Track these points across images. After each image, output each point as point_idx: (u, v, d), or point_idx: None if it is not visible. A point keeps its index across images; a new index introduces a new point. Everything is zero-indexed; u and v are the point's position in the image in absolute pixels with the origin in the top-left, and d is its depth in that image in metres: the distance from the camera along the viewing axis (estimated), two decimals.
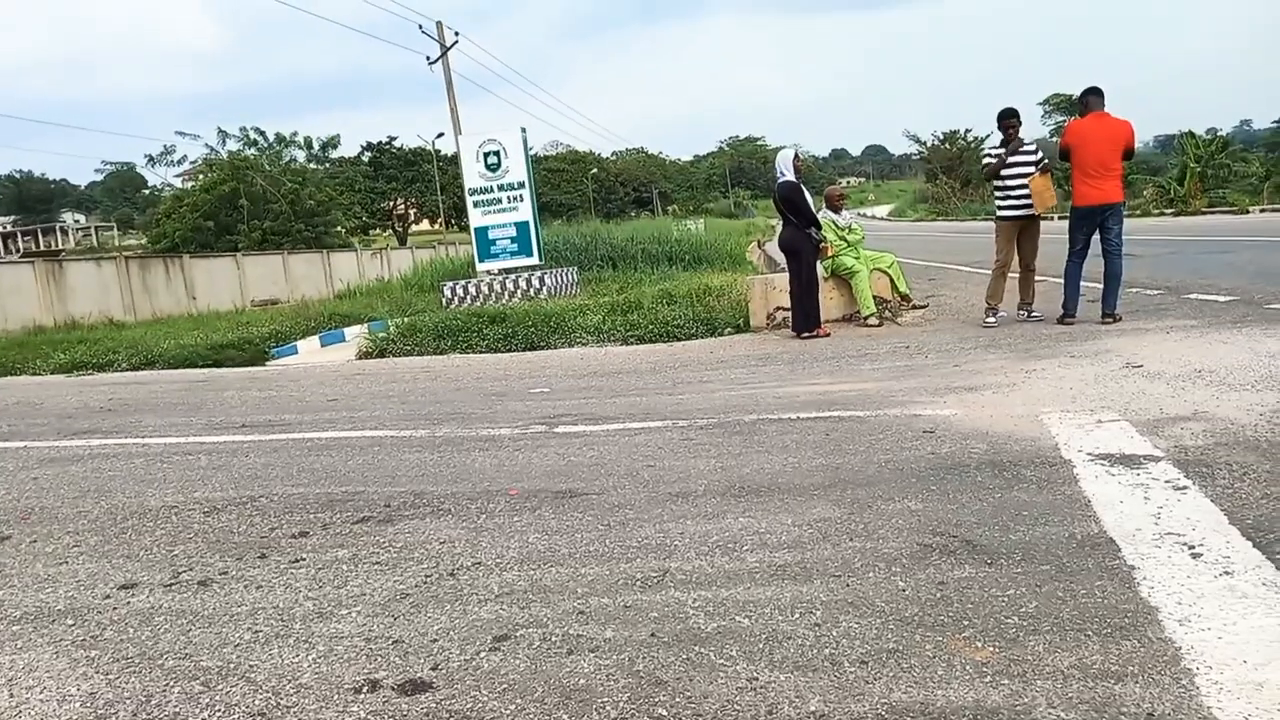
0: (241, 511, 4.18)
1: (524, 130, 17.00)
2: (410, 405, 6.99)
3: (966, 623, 2.49)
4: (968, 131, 73.43)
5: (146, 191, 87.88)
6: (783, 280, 9.63)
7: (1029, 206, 8.22)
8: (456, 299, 15.94)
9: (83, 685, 2.57)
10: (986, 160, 8.42)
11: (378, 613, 2.90)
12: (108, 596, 3.25)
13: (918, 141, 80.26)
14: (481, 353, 10.50)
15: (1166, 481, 3.48)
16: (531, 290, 15.90)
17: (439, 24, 27.58)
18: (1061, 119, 66.68)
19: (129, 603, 3.17)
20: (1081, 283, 8.00)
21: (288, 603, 3.05)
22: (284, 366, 11.33)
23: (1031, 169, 8.21)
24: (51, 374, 12.04)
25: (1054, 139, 58.99)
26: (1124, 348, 6.47)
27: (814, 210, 9.02)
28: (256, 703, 2.39)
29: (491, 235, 17.03)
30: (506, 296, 15.76)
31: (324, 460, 5.13)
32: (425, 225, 73.06)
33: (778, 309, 9.73)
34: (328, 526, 3.86)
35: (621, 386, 7.14)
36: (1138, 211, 32.01)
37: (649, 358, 8.78)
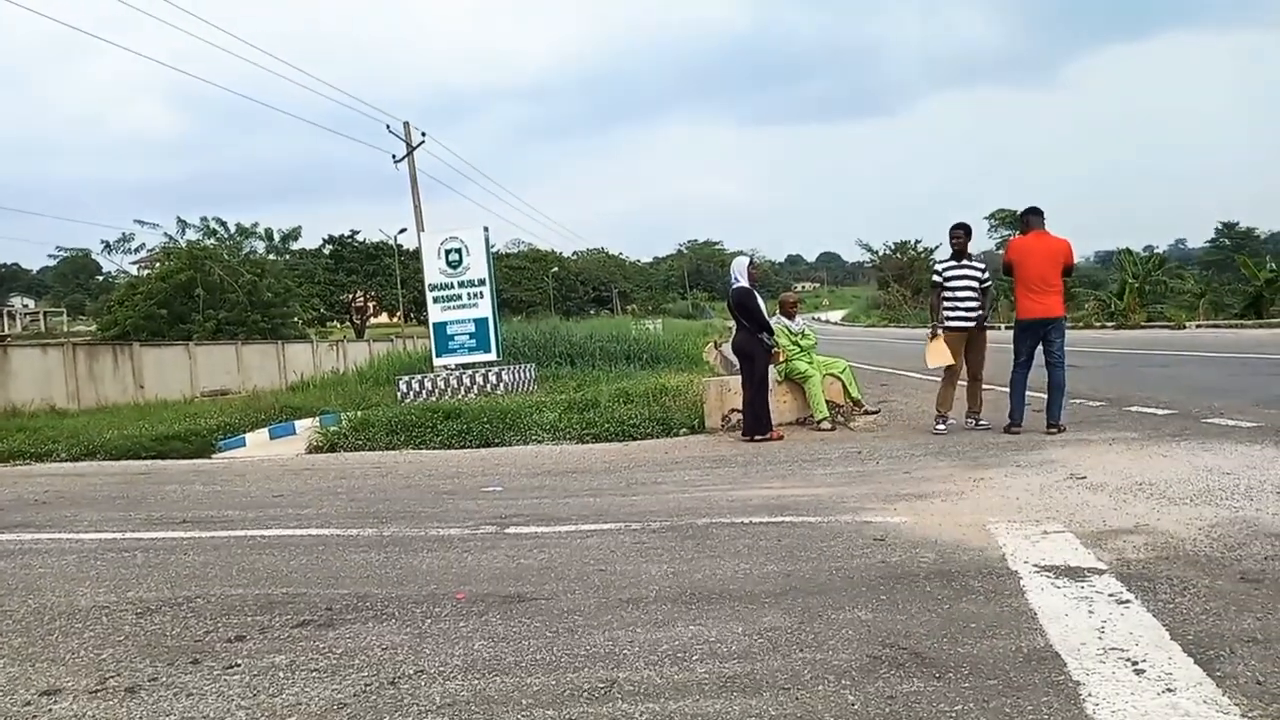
0: (176, 613, 4.04)
1: (486, 229, 17.29)
2: (358, 502, 6.86)
3: None
4: (918, 242, 76.34)
5: (100, 278, 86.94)
6: (737, 383, 9.74)
7: (977, 318, 8.50)
8: (412, 394, 15.83)
9: None
10: (934, 276, 8.71)
11: None
12: (28, 703, 3.09)
13: (870, 250, 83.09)
14: (435, 448, 10.39)
15: (1110, 595, 3.52)
16: (488, 386, 15.86)
17: (406, 124, 28.22)
18: (1007, 233, 69.41)
19: (51, 710, 3.02)
20: (1027, 392, 8.21)
21: (219, 712, 2.92)
22: (230, 459, 11.09)
23: (977, 282, 8.51)
24: None
25: (999, 251, 61.36)
26: (1068, 458, 6.60)
27: (766, 315, 9.20)
28: None
29: (450, 330, 17.08)
30: (463, 392, 15.70)
31: (266, 559, 4.99)
32: (384, 319, 72.98)
33: (732, 410, 9.81)
34: (265, 630, 3.73)
35: (576, 486, 7.10)
36: (1080, 324, 33.14)
37: (604, 457, 8.75)
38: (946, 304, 8.52)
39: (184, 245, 43.54)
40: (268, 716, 2.87)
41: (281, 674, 3.23)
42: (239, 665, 3.34)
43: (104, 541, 5.78)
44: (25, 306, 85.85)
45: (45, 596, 4.44)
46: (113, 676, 3.30)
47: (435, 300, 17.14)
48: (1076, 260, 8.18)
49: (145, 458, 11.41)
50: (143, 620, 3.96)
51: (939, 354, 8.49)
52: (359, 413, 12.44)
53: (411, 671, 3.18)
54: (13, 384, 22.33)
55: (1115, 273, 42.00)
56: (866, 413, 10.04)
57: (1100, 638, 3.10)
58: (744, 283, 9.13)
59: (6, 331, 61.82)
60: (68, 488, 8.68)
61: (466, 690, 2.99)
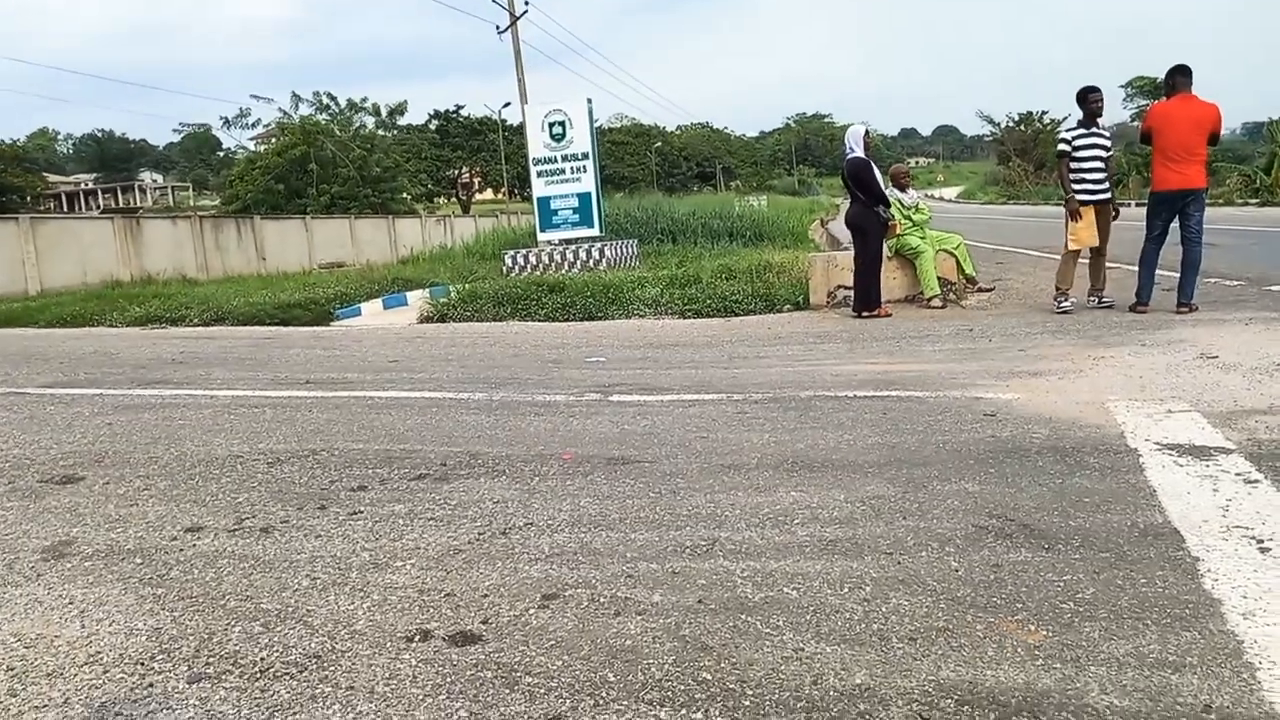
0: (303, 464, 4.29)
1: (590, 101, 16.96)
2: (468, 369, 7.08)
3: (1020, 606, 2.45)
4: (1043, 114, 71.31)
5: (221, 153, 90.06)
6: (844, 258, 9.49)
7: (1105, 189, 7.98)
8: (517, 267, 16.04)
9: (148, 620, 2.67)
10: (1061, 144, 8.14)
11: (431, 566, 2.96)
12: (175, 538, 3.37)
13: (991, 123, 78.27)
14: (540, 321, 10.57)
15: (1237, 474, 3.37)
16: (591, 261, 15.93)
17: None
18: (1144, 103, 64.23)
19: (195, 545, 3.29)
20: (1157, 270, 7.74)
21: (345, 552, 3.12)
22: (347, 327, 11.55)
23: (1105, 151, 7.96)
24: (127, 326, 12.46)
25: (1135, 123, 56.87)
26: (1199, 337, 6.25)
27: (883, 188, 8.86)
28: (312, 645, 2.46)
29: (554, 205, 17.08)
30: (566, 266, 15.80)
31: (384, 418, 5.23)
32: (489, 194, 73.67)
33: (839, 287, 9.60)
34: (385, 482, 3.94)
35: (677, 359, 7.14)
36: (1220, 200, 30.79)
37: (706, 332, 8.75)
38: (1074, 175, 8.00)
39: (297, 121, 44.39)
40: (389, 557, 3.06)
41: (401, 521, 3.42)
42: (362, 512, 3.55)
43: (236, 398, 6.16)
44: (154, 181, 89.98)
45: (185, 445, 4.79)
46: (249, 518, 3.56)
47: (539, 175, 17.09)
48: (1222, 130, 7.51)
49: (269, 324, 11.99)
50: (273, 469, 4.24)
51: (1086, 234, 7.93)
52: (467, 285, 12.69)
53: (521, 523, 3.32)
54: (147, 254, 23.65)
55: (1265, 145, 38.58)
56: (981, 290, 9.70)
57: (1224, 516, 2.98)
58: (860, 153, 8.77)
59: (138, 205, 65.11)
60: (201, 349, 9.23)
61: (573, 542, 3.10)
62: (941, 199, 79.88)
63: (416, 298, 13.32)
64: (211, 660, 2.41)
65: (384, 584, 2.84)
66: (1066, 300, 8.15)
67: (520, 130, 31.37)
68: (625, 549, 3.02)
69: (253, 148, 51.37)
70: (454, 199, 70.08)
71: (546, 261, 16.08)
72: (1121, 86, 70.91)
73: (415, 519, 3.44)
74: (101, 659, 2.45)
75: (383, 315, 12.70)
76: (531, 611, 2.59)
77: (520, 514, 3.43)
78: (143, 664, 2.41)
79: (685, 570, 2.82)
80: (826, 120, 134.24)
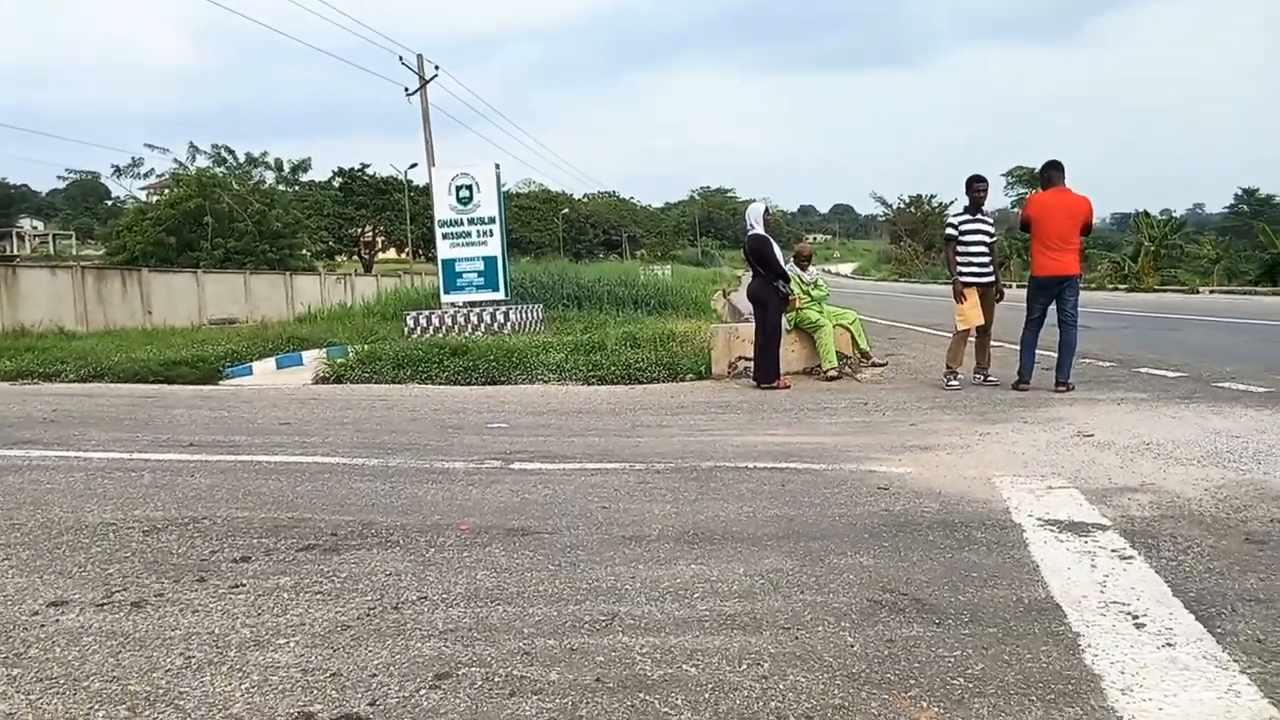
0: (182, 532, 4.07)
1: (498, 166, 17.10)
2: (364, 433, 6.89)
3: (913, 681, 2.49)
4: (932, 197, 75.36)
5: (109, 202, 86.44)
6: (746, 330, 9.70)
7: (989, 272, 8.43)
8: (419, 329, 15.83)
9: (1, 705, 2.46)
10: (948, 229, 8.60)
11: (317, 644, 2.83)
12: (35, 613, 3.13)
13: (884, 204, 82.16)
14: (441, 384, 10.40)
15: (1113, 550, 3.53)
16: (495, 324, 15.85)
17: (419, 57, 27.76)
18: (1023, 191, 68.44)
19: (58, 621, 3.06)
20: (1037, 350, 8.16)
21: (224, 629, 2.96)
22: (237, 387, 11.13)
23: (989, 236, 8.44)
24: None
25: (1015, 209, 60.53)
26: (1076, 416, 6.58)
27: (782, 263, 9.13)
28: None
29: (458, 268, 17.00)
30: (469, 329, 15.69)
31: (272, 484, 5.02)
32: (391, 254, 72.67)
33: (740, 358, 9.78)
34: (271, 552, 3.77)
35: (580, 426, 7.11)
36: (1093, 285, 32.88)
37: (610, 399, 8.76)
38: (961, 259, 8.43)
39: (193, 172, 43.14)
40: (272, 635, 2.90)
41: (286, 595, 3.26)
42: (244, 585, 3.37)
43: (111, 461, 5.82)
44: (34, 228, 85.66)
45: (53, 511, 4.49)
46: (119, 591, 3.34)
47: (445, 237, 17.03)
48: (1094, 220, 8.07)
49: (152, 382, 11.45)
50: (149, 538, 4.00)
51: (972, 314, 8.36)
52: (366, 346, 12.44)
53: (414, 597, 3.21)
54: (22, 304, 22.36)
55: (1131, 235, 41.55)
56: (874, 365, 10.02)
57: (1102, 591, 3.10)
58: (760, 230, 9.04)
59: (15, 252, 61.78)
60: (75, 407, 8.73)
61: (469, 617, 3.02)
62: (838, 274, 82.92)
63: (313, 357, 12.97)
64: None
65: (265, 663, 2.70)
66: (955, 378, 8.50)
67: (426, 190, 31.17)
68: (522, 624, 2.95)
69: (144, 198, 49.53)
70: (356, 257, 68.91)
71: (449, 324, 15.93)
72: (1003, 175, 75.49)
73: (301, 592, 3.28)
74: None
75: (276, 375, 12.30)
76: (422, 692, 2.49)
77: (414, 587, 3.32)
78: None
79: (584, 647, 2.76)
80: (729, 195, 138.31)
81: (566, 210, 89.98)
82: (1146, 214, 39.05)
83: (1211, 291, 29.01)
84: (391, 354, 11.36)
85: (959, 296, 8.36)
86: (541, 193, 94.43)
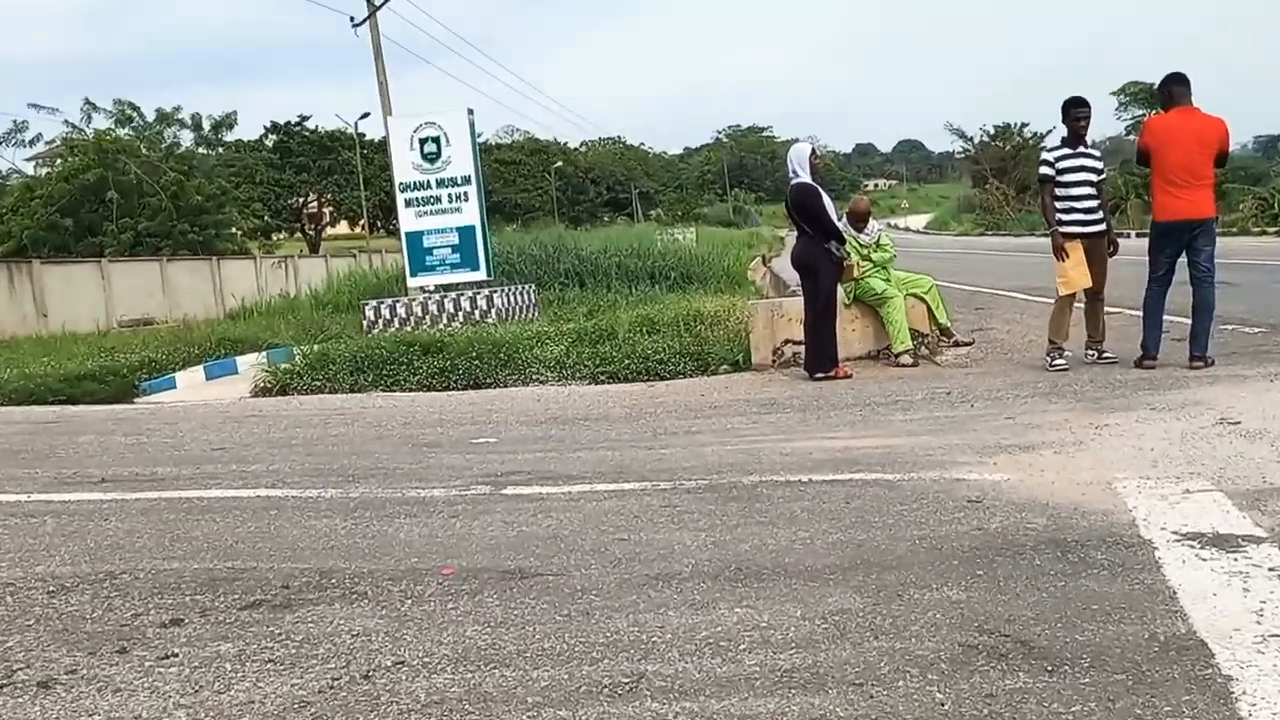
0: (97, 592, 4.12)
1: (471, 112, 17.15)
2: (319, 457, 6.94)
3: None
4: (1023, 126, 74.47)
5: None
6: (793, 306, 9.69)
7: (1097, 220, 8.36)
8: (382, 322, 15.93)
9: None
10: (1043, 167, 8.53)
11: None
12: None
13: (963, 137, 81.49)
14: (412, 390, 10.46)
15: (1271, 569, 3.51)
16: (477, 312, 15.91)
17: None
18: (1139, 113, 67.85)
19: None
20: (1165, 317, 8.11)
21: (153, 712, 2.99)
22: (158, 404, 11.23)
23: (1095, 174, 8.36)
24: None
25: (1130, 138, 59.89)
26: (1217, 399, 6.55)
27: (835, 218, 9.10)
28: None
29: (427, 243, 17.06)
30: (445, 320, 15.76)
31: (206, 527, 5.07)
32: (343, 228, 73.09)
33: (786, 342, 9.78)
34: (208, 613, 3.81)
35: (589, 437, 7.13)
36: (1234, 229, 32.60)
37: (624, 400, 8.78)
38: (1061, 204, 8.37)
39: (90, 136, 43.45)
40: (213, 715, 2.94)
41: (229, 665, 3.30)
42: (176, 655, 3.41)
43: (6, 505, 5.89)
44: None
45: None
46: (21, 668, 3.38)
47: (408, 204, 17.09)
48: (1231, 147, 7.99)
49: (52, 402, 11.58)
50: (56, 600, 4.05)
51: (1076, 274, 8.25)
52: (316, 346, 12.51)
53: (389, 663, 3.24)
54: None
55: None
56: (958, 344, 10.00)
57: (1259, 622, 3.09)
58: (805, 177, 9.02)
59: None
60: None
61: (458, 685, 3.04)
62: (907, 230, 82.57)
63: (250, 364, 13.08)
64: None
65: None
66: (1061, 356, 8.45)
67: (382, 146, 31.24)
68: (525, 692, 2.97)
69: (31, 171, 49.96)
70: (299, 234, 69.32)
71: (419, 314, 16.01)
72: (1113, 94, 74.68)
73: (248, 661, 3.32)
74: None
75: (205, 388, 12.42)
76: None
77: (388, 650, 3.35)
78: None
79: (604, 717, 2.78)
80: (766, 135, 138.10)
81: (560, 163, 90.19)
82: None
83: None
84: (348, 355, 11.43)
85: (1060, 253, 8.31)
86: (528, 142, 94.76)
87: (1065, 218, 8.37)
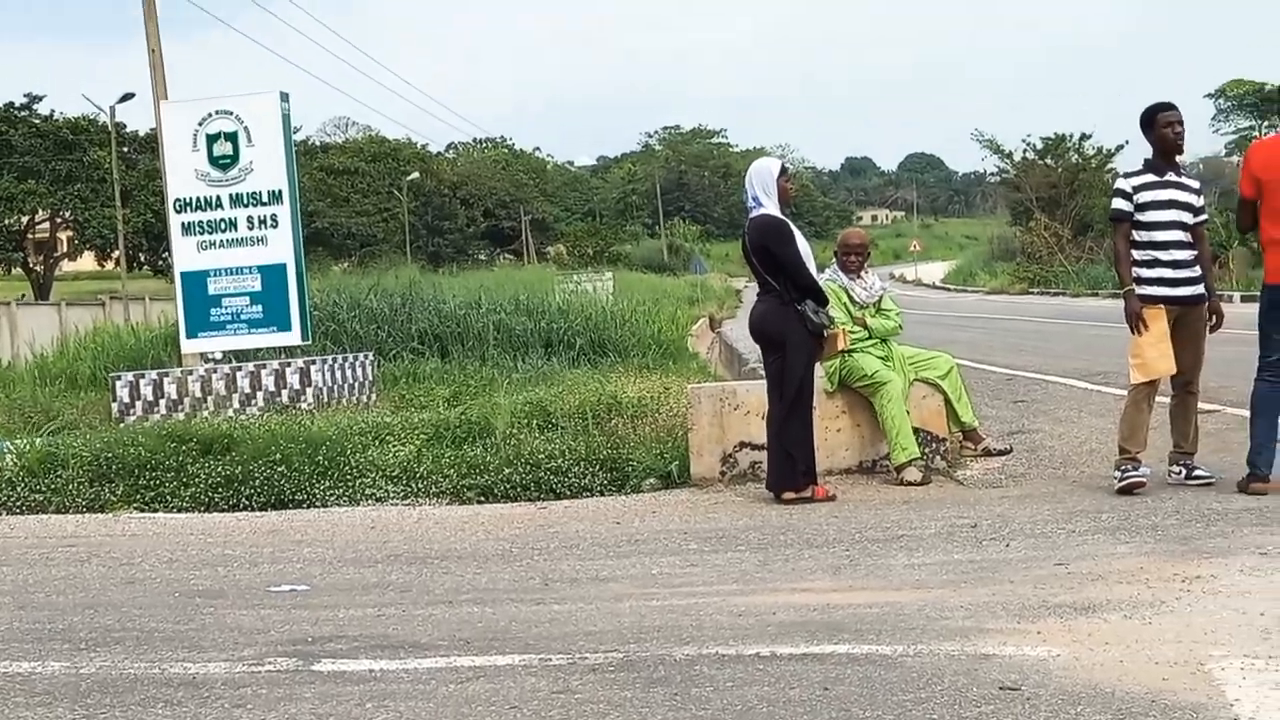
0: None
1: (286, 97, 17.10)
2: (35, 611, 6.81)
3: None
4: (1084, 138, 75.85)
5: None
6: (753, 393, 9.75)
7: (1192, 279, 8.46)
8: (141, 405, 15.71)
9: None
10: (1118, 199, 8.56)
11: None
12: None
13: (997, 152, 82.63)
14: (183, 511, 10.30)
15: None
16: (285, 394, 15.78)
17: None
18: (1246, 125, 69.81)
19: None
20: None
21: None
22: None
23: (1192, 213, 8.44)
24: None
25: (1234, 159, 61.43)
26: None
27: (813, 268, 9.15)
28: None
29: (214, 288, 16.88)
30: (237, 403, 15.60)
31: None
32: (88, 262, 72.33)
33: (741, 446, 9.82)
34: None
35: (447, 585, 7.07)
36: None
37: (501, 530, 8.73)
38: (1140, 253, 8.44)
39: None
40: None
41: None
42: None
43: None
44: None
45: None
46: None
47: (187, 230, 16.91)
48: None
49: None
50: None
51: (1157, 356, 8.29)
52: (38, 441, 12.28)
53: None
54: None
55: None
56: (988, 452, 10.09)
57: None
58: (770, 208, 9.06)
59: None
60: None
61: None
62: (918, 283, 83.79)
63: None
64: None
65: None
66: (1135, 470, 8.53)
67: (153, 146, 31.02)
68: None
69: None
70: (20, 270, 68.39)
71: (198, 394, 15.84)
72: (1208, 96, 76.83)
73: None
74: None
75: None
76: None
77: None
78: None
79: None
80: (717, 142, 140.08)
81: (416, 175, 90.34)
82: None
83: None
84: (88, 456, 11.23)
85: (1136, 324, 8.34)
86: (370, 143, 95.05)
87: (1146, 274, 8.43)
